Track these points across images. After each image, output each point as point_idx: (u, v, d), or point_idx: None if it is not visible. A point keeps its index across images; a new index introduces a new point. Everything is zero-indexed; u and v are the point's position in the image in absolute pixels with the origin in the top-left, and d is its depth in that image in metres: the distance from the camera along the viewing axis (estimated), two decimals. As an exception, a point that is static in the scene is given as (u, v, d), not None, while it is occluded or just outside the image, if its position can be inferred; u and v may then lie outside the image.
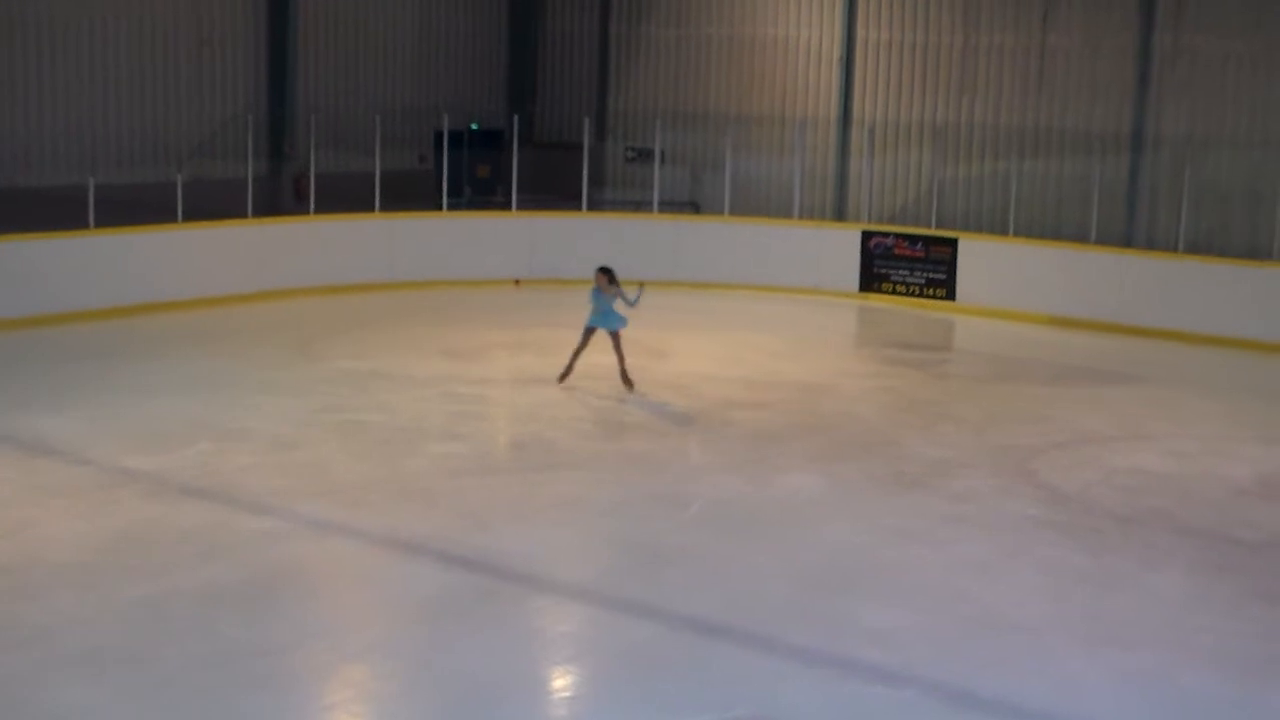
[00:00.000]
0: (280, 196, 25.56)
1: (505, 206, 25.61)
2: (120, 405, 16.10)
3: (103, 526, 12.20)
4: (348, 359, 18.75)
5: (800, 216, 25.59)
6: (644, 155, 27.73)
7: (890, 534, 12.69)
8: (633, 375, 17.20)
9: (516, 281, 24.28)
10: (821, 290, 24.40)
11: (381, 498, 13.22)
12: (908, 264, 23.94)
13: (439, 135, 26.42)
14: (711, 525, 12.84)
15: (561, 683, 9.88)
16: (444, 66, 29.01)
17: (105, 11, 24.14)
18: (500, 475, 14.17)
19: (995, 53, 25.37)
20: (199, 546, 11.76)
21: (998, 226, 24.44)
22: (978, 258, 23.53)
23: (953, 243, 23.68)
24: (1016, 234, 23.80)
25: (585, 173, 25.35)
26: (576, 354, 17.20)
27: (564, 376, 17.20)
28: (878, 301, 24.12)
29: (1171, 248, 22.86)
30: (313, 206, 23.82)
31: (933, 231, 24.12)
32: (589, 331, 17.13)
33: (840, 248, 24.52)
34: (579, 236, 24.74)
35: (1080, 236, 23.37)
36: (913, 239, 23.99)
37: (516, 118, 25.68)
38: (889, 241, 24.17)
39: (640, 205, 26.56)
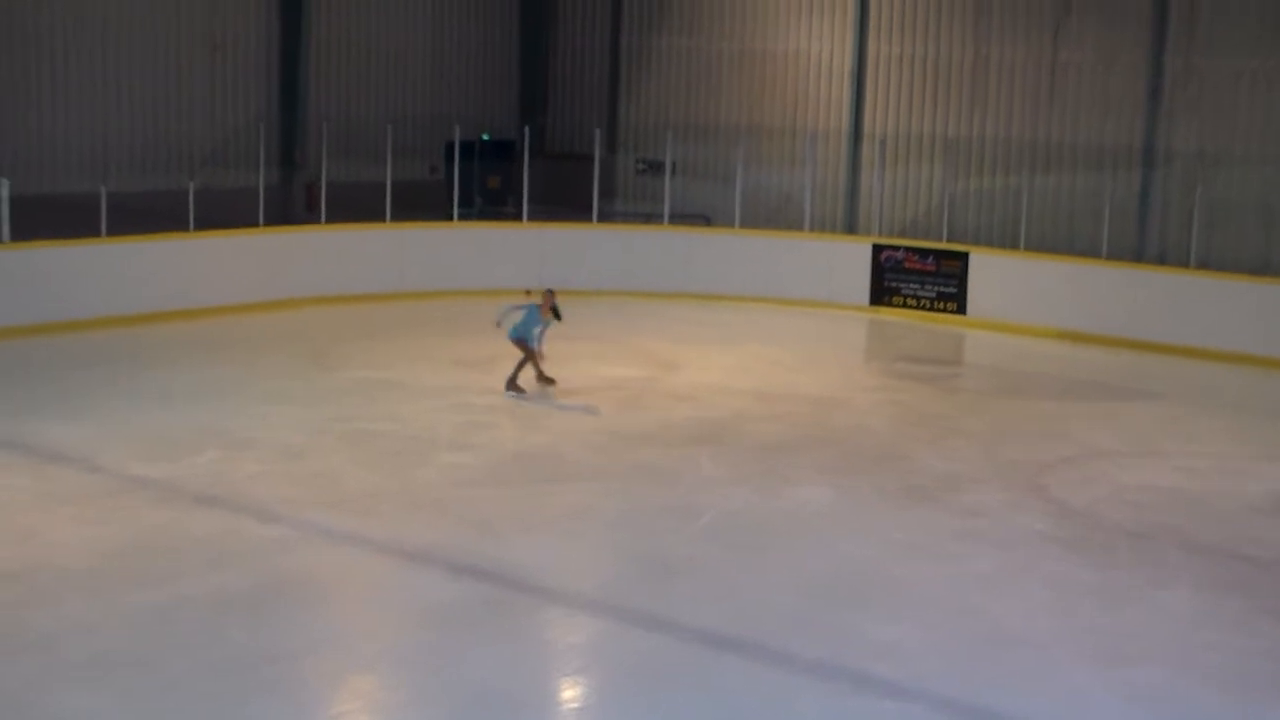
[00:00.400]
0: (291, 205, 25.60)
1: (516, 217, 25.63)
2: (130, 413, 16.12)
3: (112, 533, 12.21)
4: (358, 368, 18.77)
5: (811, 229, 25.60)
6: (655, 167, 27.76)
7: (900, 548, 12.68)
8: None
9: (527, 292, 24.23)
10: (832, 303, 24.39)
11: (391, 507, 13.23)
12: (918, 278, 23.92)
13: (450, 146, 26.48)
14: (721, 537, 12.83)
15: (570, 693, 9.88)
16: (456, 77, 29.07)
17: (118, 20, 24.23)
18: (510, 486, 14.17)
19: (1006, 67, 25.37)
20: (208, 554, 11.78)
21: (1009, 241, 24.42)
22: (988, 272, 23.51)
23: (964, 257, 23.67)
24: (1027, 248, 23.78)
25: (596, 184, 25.36)
26: (524, 365, 17.39)
27: (512, 384, 17.37)
28: (888, 315, 24.11)
29: (1183, 263, 22.83)
30: (324, 216, 23.87)
31: (944, 245, 24.11)
32: (521, 342, 17.32)
33: (851, 261, 24.51)
34: (589, 248, 24.77)
35: (1091, 251, 23.34)
36: (923, 253, 23.98)
37: (528, 129, 25.72)
38: (899, 255, 24.17)
39: (651, 217, 26.57)
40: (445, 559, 11.94)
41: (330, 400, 17.05)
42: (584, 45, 29.87)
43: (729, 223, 25.76)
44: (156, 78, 24.74)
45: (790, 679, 9.95)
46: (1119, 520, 13.62)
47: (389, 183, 23.98)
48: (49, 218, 20.93)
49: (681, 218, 26.50)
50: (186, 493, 13.37)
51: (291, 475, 14.07)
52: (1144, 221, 24.08)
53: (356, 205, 24.10)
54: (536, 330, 17.36)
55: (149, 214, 21.99)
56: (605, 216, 26.00)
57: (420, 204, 25.23)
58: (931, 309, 23.80)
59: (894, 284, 24.16)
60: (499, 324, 17.41)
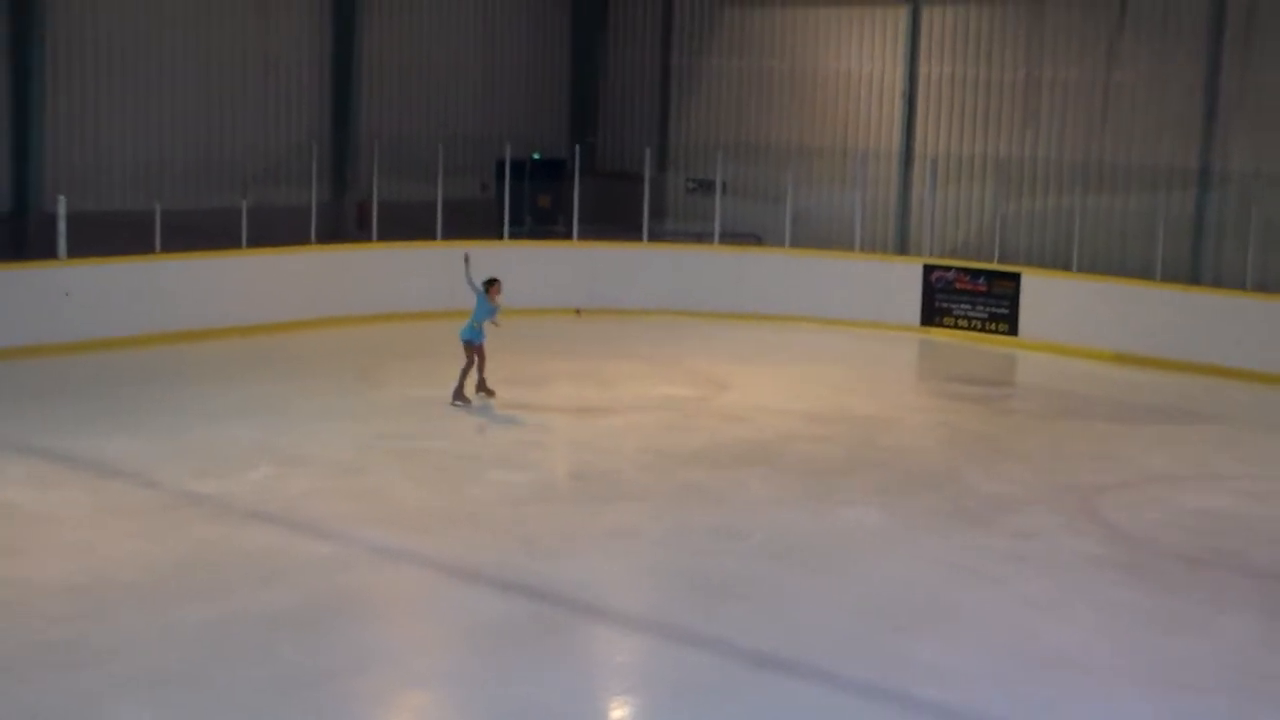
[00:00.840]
0: (343, 223, 25.74)
1: (566, 236, 25.68)
2: (183, 429, 16.24)
3: (166, 549, 12.30)
4: (409, 386, 18.83)
5: (862, 250, 25.51)
6: (705, 186, 27.74)
7: (951, 570, 12.59)
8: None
9: (578, 311, 24.30)
10: (883, 324, 24.28)
11: (442, 525, 13.26)
12: (969, 298, 23.79)
13: (501, 164, 26.56)
14: (771, 558, 12.78)
15: (619, 713, 9.86)
16: (506, 96, 29.17)
17: (172, 38, 24.45)
18: (561, 504, 14.18)
19: (1059, 87, 25.23)
20: (260, 570, 11.83)
21: (1061, 262, 24.25)
22: (1041, 293, 23.35)
23: (1016, 277, 23.52)
24: (1080, 269, 23.60)
25: (646, 203, 25.39)
26: (469, 372, 17.49)
27: (459, 394, 17.45)
28: (939, 336, 23.99)
29: (1239, 285, 22.59)
30: (375, 234, 23.99)
31: (995, 266, 23.97)
32: (470, 345, 17.45)
33: (902, 281, 24.41)
34: (640, 267, 24.78)
35: (1145, 273, 23.15)
36: (975, 273, 23.85)
37: (578, 148, 25.77)
38: (950, 276, 24.04)
39: (701, 237, 26.56)
40: (495, 576, 11.95)
41: (381, 417, 17.12)
42: (635, 65, 29.92)
43: (779, 242, 25.72)
44: (210, 97, 24.94)
45: (839, 700, 9.89)
46: (1175, 544, 13.46)
47: (440, 201, 24.09)
48: (104, 234, 21.14)
49: (732, 237, 26.47)
50: (239, 509, 13.45)
51: (342, 492, 14.13)
52: (1199, 243, 23.85)
53: (408, 223, 24.21)
54: (487, 321, 17.49)
55: (202, 231, 22.18)
56: (655, 236, 26.00)
57: (471, 222, 25.31)
58: (983, 330, 23.66)
59: (945, 305, 24.03)
60: (466, 258, 17.85)
